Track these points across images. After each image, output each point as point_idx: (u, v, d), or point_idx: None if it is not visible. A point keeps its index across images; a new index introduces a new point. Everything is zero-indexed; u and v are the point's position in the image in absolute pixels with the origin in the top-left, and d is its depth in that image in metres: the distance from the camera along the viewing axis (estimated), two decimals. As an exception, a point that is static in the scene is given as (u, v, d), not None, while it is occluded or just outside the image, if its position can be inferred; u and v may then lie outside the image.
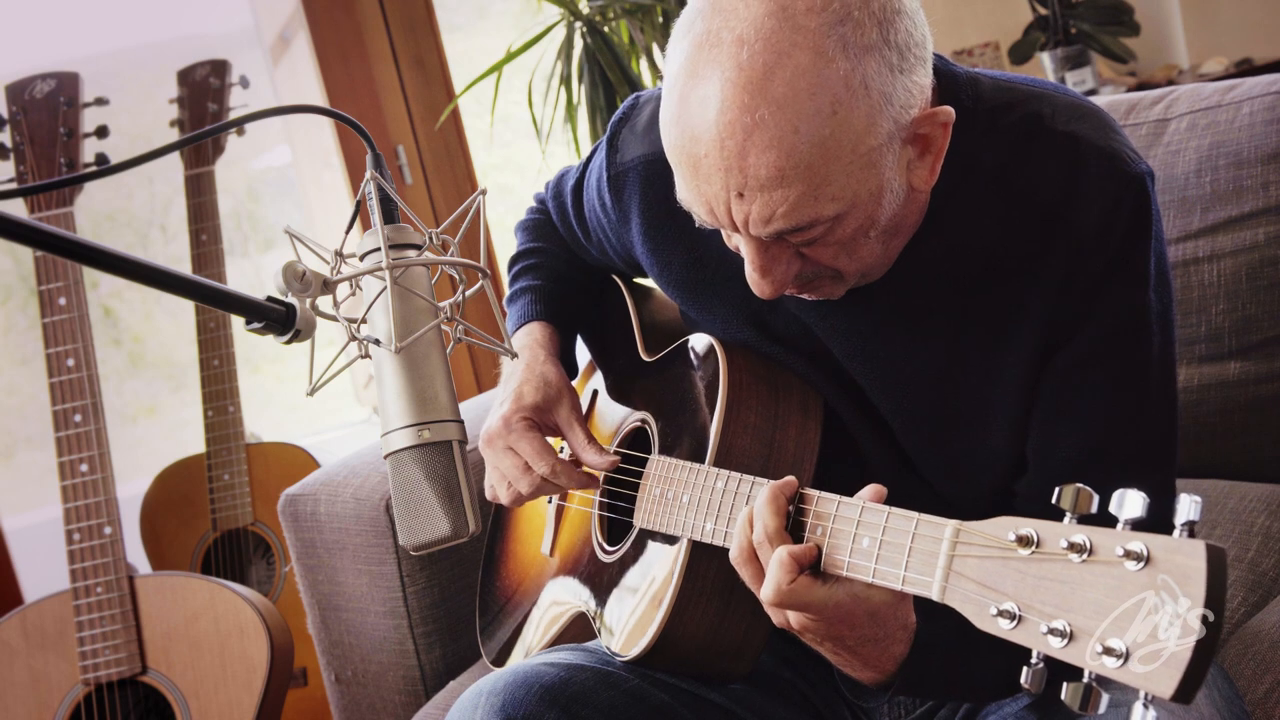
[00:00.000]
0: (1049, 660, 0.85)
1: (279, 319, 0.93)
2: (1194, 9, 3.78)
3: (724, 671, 1.26)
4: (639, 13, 3.10)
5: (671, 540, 1.27)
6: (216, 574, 2.69)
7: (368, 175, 0.98)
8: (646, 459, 1.35)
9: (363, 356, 0.97)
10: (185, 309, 3.61)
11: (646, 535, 1.32)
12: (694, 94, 1.04)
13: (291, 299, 0.94)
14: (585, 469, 1.39)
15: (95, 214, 4.66)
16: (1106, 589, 0.80)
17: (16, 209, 2.29)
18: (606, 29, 3.14)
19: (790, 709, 1.31)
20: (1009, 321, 1.15)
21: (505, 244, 4.23)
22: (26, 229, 0.84)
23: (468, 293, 1.00)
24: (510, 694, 1.18)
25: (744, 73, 1.01)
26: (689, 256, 1.33)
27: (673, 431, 1.34)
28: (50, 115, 2.25)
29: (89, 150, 2.27)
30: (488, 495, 1.44)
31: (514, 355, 1.06)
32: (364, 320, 0.97)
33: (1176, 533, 0.78)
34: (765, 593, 1.05)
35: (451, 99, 3.42)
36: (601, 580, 1.37)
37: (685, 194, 1.10)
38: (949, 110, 1.08)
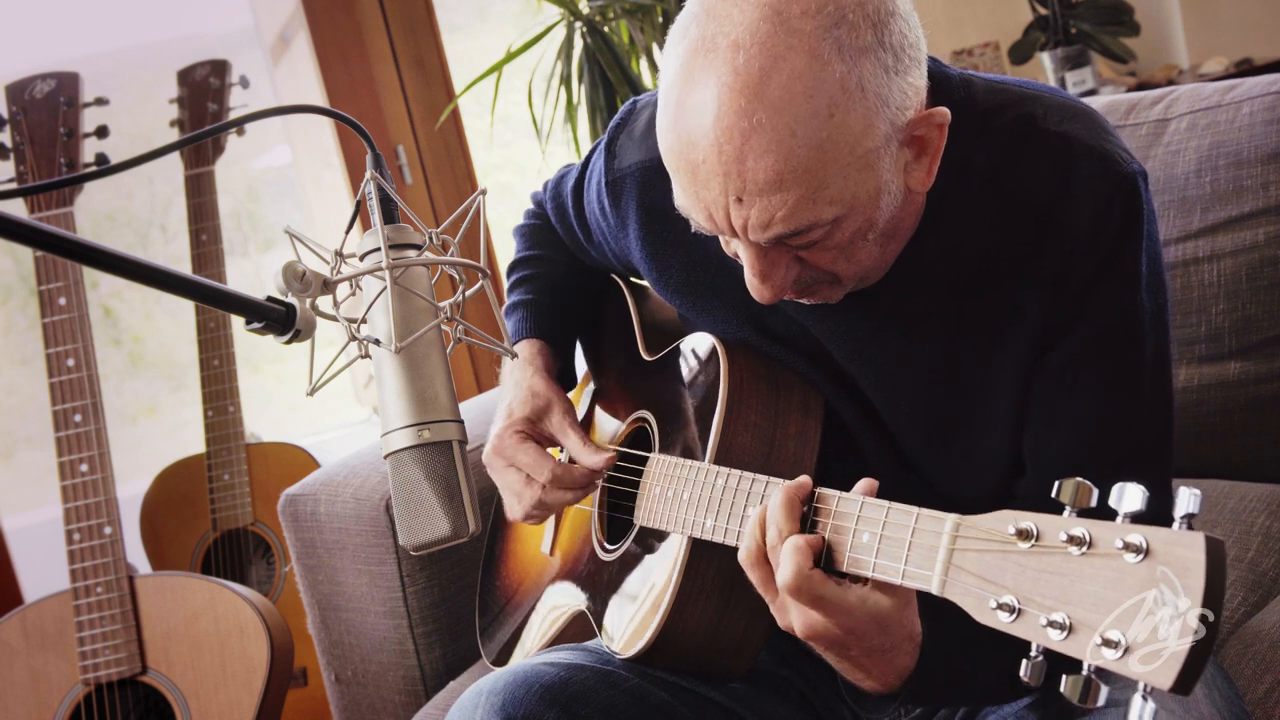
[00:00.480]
0: (1049, 653, 0.85)
1: (279, 319, 0.93)
2: (1194, 9, 3.78)
3: (724, 669, 1.26)
4: (639, 13, 3.10)
5: (671, 539, 1.27)
6: (216, 574, 2.69)
7: (368, 175, 0.98)
8: (647, 458, 1.35)
9: (363, 356, 0.97)
10: (185, 309, 3.61)
11: (647, 534, 1.32)
12: (690, 100, 1.04)
13: (291, 299, 0.94)
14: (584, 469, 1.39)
15: (95, 214, 4.66)
16: (1106, 582, 0.80)
17: (16, 209, 2.29)
18: (606, 29, 3.14)
19: (790, 708, 1.31)
20: (1004, 322, 1.16)
21: (505, 244, 4.23)
22: (26, 229, 0.84)
23: (468, 293, 1.00)
24: (510, 693, 1.18)
25: (740, 77, 1.01)
26: (687, 261, 1.33)
27: (673, 430, 1.34)
28: (50, 115, 2.25)
29: (89, 150, 2.27)
30: (509, 516, 1.45)
31: (514, 355, 1.06)
32: (364, 320, 0.97)
33: (1176, 525, 0.78)
34: (783, 579, 1.03)
35: (451, 99, 3.42)
36: (601, 579, 1.38)
37: (683, 200, 1.10)
38: (945, 111, 1.08)
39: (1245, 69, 3.60)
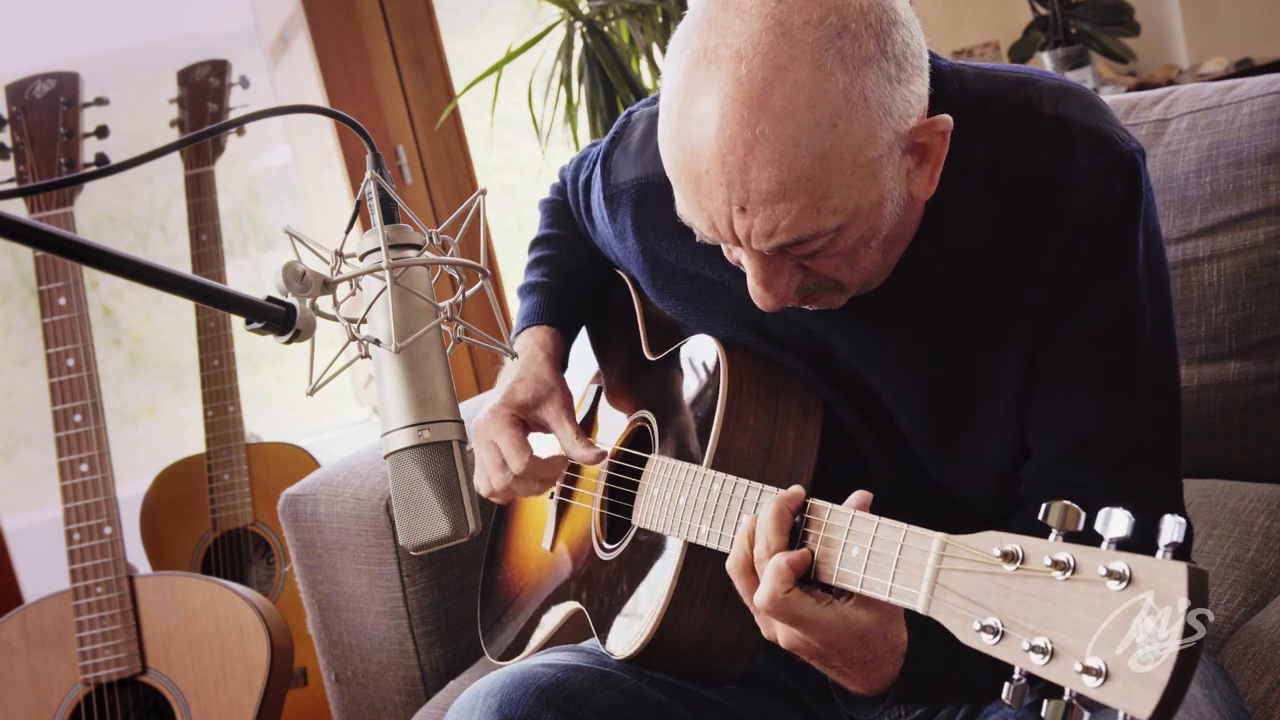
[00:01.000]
0: (1031, 677, 0.85)
1: (279, 319, 0.93)
2: (1194, 9, 3.78)
3: (719, 671, 1.26)
4: (639, 13, 3.10)
5: (669, 540, 1.27)
6: (216, 574, 2.69)
7: (368, 175, 0.98)
8: (646, 458, 1.35)
9: (363, 356, 0.97)
10: (185, 309, 3.61)
11: (644, 535, 1.32)
12: (693, 110, 1.04)
13: (291, 299, 0.94)
14: (575, 463, 1.39)
15: (95, 214, 4.66)
16: (1088, 607, 0.80)
17: (16, 209, 2.29)
18: (606, 29, 3.14)
19: (786, 708, 1.31)
20: (1008, 315, 1.16)
21: (505, 244, 4.23)
22: (26, 229, 0.84)
23: (468, 293, 1.00)
24: (507, 695, 1.18)
25: (743, 88, 1.01)
26: (685, 274, 1.33)
27: (672, 431, 1.34)
28: (50, 115, 2.25)
29: (89, 150, 2.27)
30: (475, 485, 1.45)
31: (514, 355, 1.06)
32: (364, 320, 0.97)
33: (1159, 554, 0.78)
34: (759, 599, 1.04)
35: (451, 99, 3.42)
36: (599, 578, 1.38)
37: (686, 210, 1.10)
38: (947, 119, 1.08)
39: (1245, 69, 3.60)
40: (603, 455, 1.38)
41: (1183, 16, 3.78)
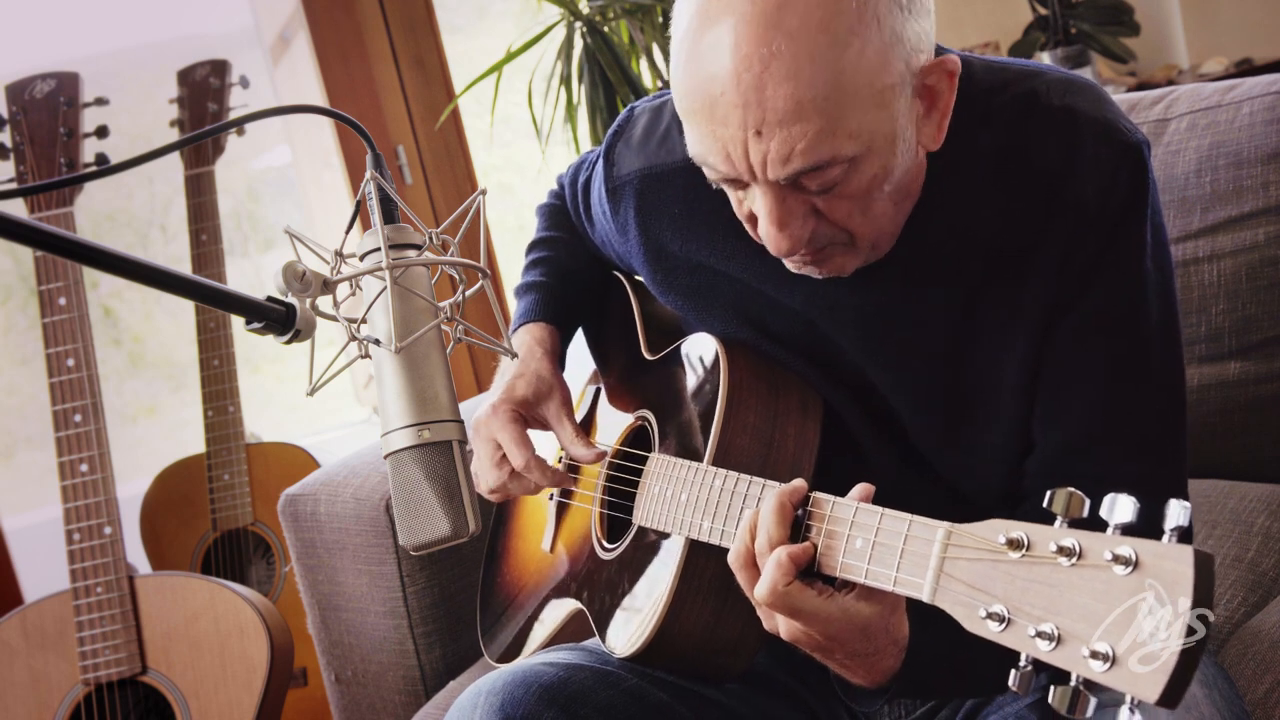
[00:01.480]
0: (1038, 663, 0.85)
1: (279, 319, 0.93)
2: (1194, 9, 3.78)
3: (721, 669, 1.26)
4: (639, 13, 3.10)
5: (670, 539, 1.27)
6: (216, 574, 2.69)
7: (368, 175, 0.98)
8: (647, 457, 1.36)
9: (363, 356, 0.97)
10: (185, 309, 3.61)
11: (645, 533, 1.32)
12: (707, 38, 1.05)
13: (291, 299, 0.94)
14: (572, 463, 1.39)
15: (95, 214, 4.66)
16: (1094, 593, 0.80)
17: (16, 209, 2.29)
18: (606, 29, 3.14)
19: (787, 707, 1.31)
20: (1013, 307, 1.16)
21: (505, 244, 4.23)
22: (26, 229, 0.84)
23: (468, 293, 1.00)
24: (509, 694, 1.18)
25: (756, 7, 1.02)
26: (687, 266, 1.33)
27: (673, 430, 1.34)
28: (50, 115, 2.25)
29: (89, 150, 2.27)
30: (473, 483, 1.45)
31: (514, 355, 1.06)
32: (364, 320, 0.97)
33: (1165, 538, 0.78)
34: (760, 592, 1.05)
35: (451, 99, 3.42)
36: (600, 577, 1.38)
37: (699, 146, 1.10)
38: (955, 60, 1.09)
39: (1245, 69, 3.60)
40: (602, 455, 1.38)
41: (1183, 16, 3.78)
